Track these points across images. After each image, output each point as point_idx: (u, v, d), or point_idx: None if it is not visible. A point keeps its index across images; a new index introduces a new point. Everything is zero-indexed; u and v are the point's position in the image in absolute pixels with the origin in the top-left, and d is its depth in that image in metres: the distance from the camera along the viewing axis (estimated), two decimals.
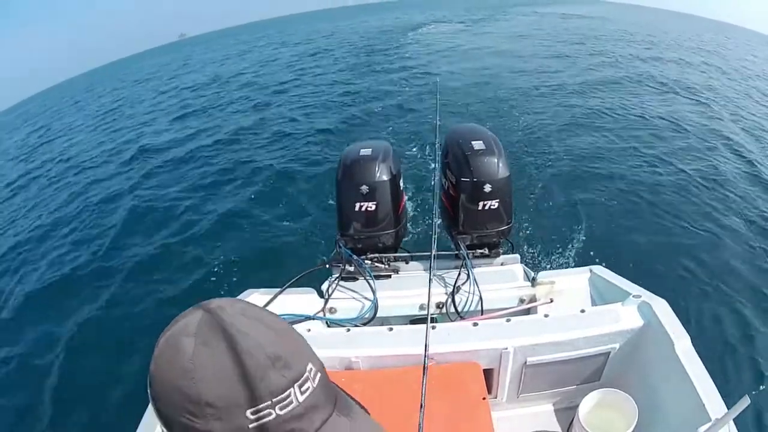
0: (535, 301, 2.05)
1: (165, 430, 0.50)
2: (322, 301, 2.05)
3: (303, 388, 0.50)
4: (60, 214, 7.66)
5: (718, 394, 1.28)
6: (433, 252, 1.93)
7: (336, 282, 2.13)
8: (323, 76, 15.66)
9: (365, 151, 2.22)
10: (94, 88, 28.99)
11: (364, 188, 2.10)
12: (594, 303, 1.96)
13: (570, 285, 2.05)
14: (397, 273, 2.26)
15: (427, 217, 5.17)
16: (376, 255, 2.24)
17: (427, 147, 7.36)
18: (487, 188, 2.07)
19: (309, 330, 1.80)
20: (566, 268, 3.93)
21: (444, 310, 2.04)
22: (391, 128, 9.20)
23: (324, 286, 2.13)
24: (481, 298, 2.04)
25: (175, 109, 13.86)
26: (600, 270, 2.05)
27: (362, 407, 0.60)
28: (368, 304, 2.03)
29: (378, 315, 2.02)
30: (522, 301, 2.07)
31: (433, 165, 6.55)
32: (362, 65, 16.55)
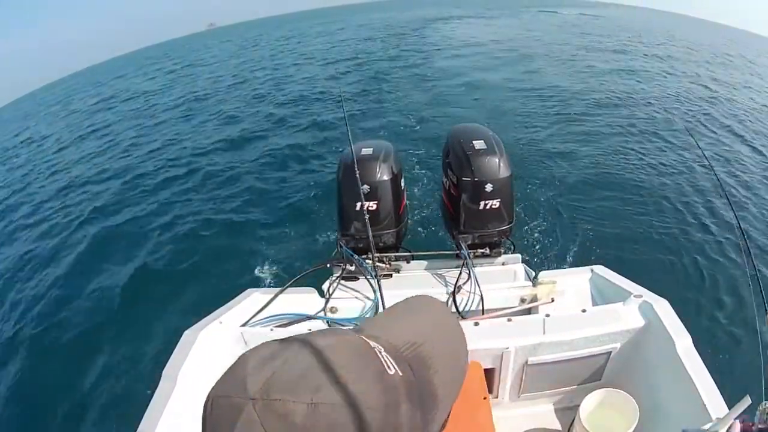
0: (536, 300, 2.04)
1: None
2: (323, 300, 2.05)
3: None
4: None
5: (720, 394, 1.28)
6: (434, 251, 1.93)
7: (337, 281, 2.13)
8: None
9: (366, 151, 2.22)
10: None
11: (365, 188, 2.10)
12: (595, 303, 1.96)
13: (571, 285, 2.05)
14: (399, 272, 2.25)
15: (428, 217, 5.18)
16: (377, 254, 2.24)
17: (432, 147, 7.36)
18: (489, 188, 2.07)
19: (310, 330, 1.80)
20: (567, 267, 3.94)
21: None
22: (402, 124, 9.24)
23: (325, 286, 2.13)
24: (482, 297, 2.03)
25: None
26: (601, 270, 2.04)
27: None
28: (369, 303, 2.03)
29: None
30: (523, 300, 2.07)
31: (418, 167, 6.60)
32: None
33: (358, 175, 2.08)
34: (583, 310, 1.67)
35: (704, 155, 1.87)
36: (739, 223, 1.62)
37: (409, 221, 2.47)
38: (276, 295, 1.97)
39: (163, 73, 24.75)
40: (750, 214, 5.75)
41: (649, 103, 10.29)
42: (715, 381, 1.31)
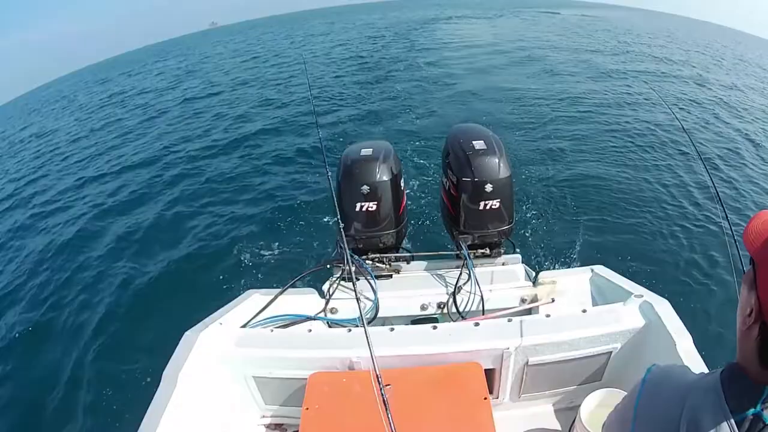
0: (537, 300, 2.05)
1: None
2: (323, 301, 2.05)
3: None
4: None
5: None
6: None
7: (337, 282, 2.13)
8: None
9: (366, 151, 2.22)
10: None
11: (365, 188, 2.10)
12: (595, 303, 1.96)
13: (571, 285, 2.05)
14: (398, 273, 2.25)
15: (428, 217, 5.17)
16: (377, 255, 2.24)
17: (432, 146, 7.36)
18: (488, 188, 2.07)
19: (310, 330, 1.80)
20: (568, 267, 3.93)
21: (445, 310, 2.04)
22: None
23: (325, 287, 2.13)
24: (482, 298, 2.04)
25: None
26: (601, 270, 2.05)
27: None
28: (369, 304, 2.03)
29: (379, 315, 2.02)
30: (523, 300, 2.07)
31: (418, 167, 6.61)
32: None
33: (357, 176, 2.08)
34: (584, 311, 1.67)
35: (699, 155, 1.87)
36: (716, 191, 1.63)
37: (409, 222, 2.47)
38: (276, 296, 1.98)
39: (168, 70, 24.88)
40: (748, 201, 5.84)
41: (652, 103, 10.27)
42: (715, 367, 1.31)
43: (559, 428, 1.76)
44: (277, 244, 5.42)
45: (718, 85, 13.17)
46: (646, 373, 0.83)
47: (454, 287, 2.07)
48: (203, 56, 28.21)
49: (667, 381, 0.78)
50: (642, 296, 1.67)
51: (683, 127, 2.34)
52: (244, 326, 1.81)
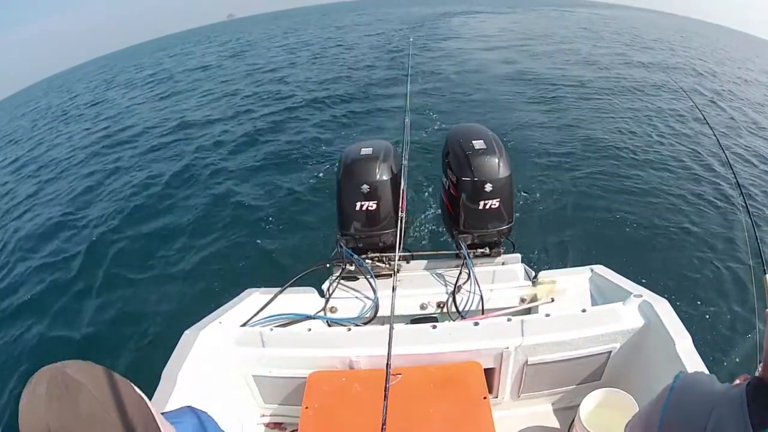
0: (536, 300, 2.05)
1: None
2: (323, 300, 2.05)
3: None
4: None
5: None
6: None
7: (337, 281, 2.14)
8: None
9: (366, 151, 2.22)
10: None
11: (365, 187, 2.10)
12: (595, 302, 1.96)
13: (571, 284, 2.05)
14: (398, 272, 2.25)
15: (428, 217, 5.17)
16: (377, 254, 2.24)
17: (430, 145, 7.35)
18: (488, 187, 2.07)
19: (309, 329, 1.80)
20: (567, 267, 3.95)
21: (445, 310, 2.05)
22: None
23: (325, 286, 2.13)
24: (482, 297, 2.04)
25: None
26: (601, 269, 2.05)
27: None
28: (369, 303, 2.03)
29: (379, 314, 2.02)
30: (523, 300, 2.07)
31: (418, 167, 6.60)
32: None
33: (357, 175, 2.07)
34: (583, 310, 1.67)
35: (722, 148, 1.83)
36: (738, 182, 1.62)
37: (409, 221, 2.47)
38: (276, 295, 1.98)
39: (195, 58, 25.24)
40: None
41: (654, 101, 10.28)
42: (719, 360, 1.31)
43: (559, 427, 1.76)
44: (276, 242, 5.42)
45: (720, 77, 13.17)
46: (674, 380, 0.84)
47: (453, 287, 2.07)
48: (227, 49, 28.25)
49: (695, 390, 0.79)
50: (641, 296, 1.67)
51: (704, 118, 2.31)
52: (243, 325, 1.81)
